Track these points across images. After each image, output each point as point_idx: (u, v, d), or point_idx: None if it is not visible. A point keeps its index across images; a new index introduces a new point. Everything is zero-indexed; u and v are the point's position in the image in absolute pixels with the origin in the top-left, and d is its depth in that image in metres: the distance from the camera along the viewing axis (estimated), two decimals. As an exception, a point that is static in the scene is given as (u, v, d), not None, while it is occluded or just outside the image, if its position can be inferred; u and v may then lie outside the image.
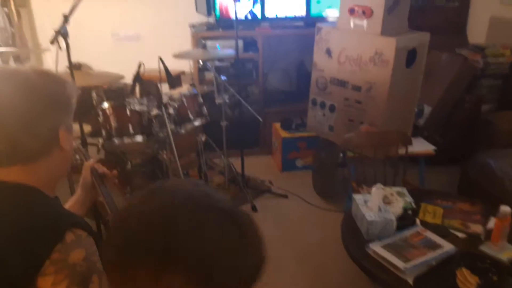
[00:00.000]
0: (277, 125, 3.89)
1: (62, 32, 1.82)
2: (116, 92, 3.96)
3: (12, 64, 3.37)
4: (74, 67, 3.94)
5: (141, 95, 3.90)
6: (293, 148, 3.74)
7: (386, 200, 2.03)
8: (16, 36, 3.26)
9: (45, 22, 3.97)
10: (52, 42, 1.81)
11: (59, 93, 0.96)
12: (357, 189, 2.56)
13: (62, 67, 3.94)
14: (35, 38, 3.99)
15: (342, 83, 2.91)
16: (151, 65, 2.63)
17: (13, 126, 0.89)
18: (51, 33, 4.05)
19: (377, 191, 1.92)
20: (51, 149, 0.95)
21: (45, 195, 0.95)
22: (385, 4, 2.57)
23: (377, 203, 1.88)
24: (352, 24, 2.76)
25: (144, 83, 3.57)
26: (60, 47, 1.86)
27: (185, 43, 3.94)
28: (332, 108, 3.04)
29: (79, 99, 2.51)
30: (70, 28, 4.00)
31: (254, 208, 3.18)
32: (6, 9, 3.06)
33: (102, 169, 1.29)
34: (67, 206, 1.24)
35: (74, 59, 4.00)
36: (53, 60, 4.25)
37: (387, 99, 2.68)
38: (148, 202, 0.64)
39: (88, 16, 3.99)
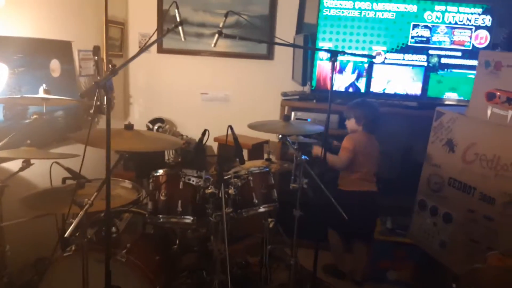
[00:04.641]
0: (369, 220, 3.14)
1: (102, 85, 1.41)
2: (193, 153, 3.67)
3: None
4: (154, 122, 3.78)
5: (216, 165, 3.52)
6: (386, 255, 2.93)
7: None
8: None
9: (138, 75, 3.93)
10: (83, 96, 1.43)
11: None
12: None
13: (144, 121, 3.81)
14: (127, 89, 3.94)
15: (466, 189, 2.13)
16: (236, 130, 2.19)
17: None
18: (141, 86, 4.02)
19: None
20: None
21: None
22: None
23: None
24: (489, 113, 2.04)
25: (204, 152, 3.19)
26: (99, 101, 1.47)
27: (275, 111, 3.53)
28: (447, 219, 2.25)
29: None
30: (160, 84, 3.95)
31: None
32: (96, 57, 2.97)
33: None
34: None
35: (160, 114, 3.88)
36: (139, 113, 4.19)
37: (535, 222, 1.84)
38: None
39: (179, 74, 3.86)
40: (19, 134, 1.93)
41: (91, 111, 3.27)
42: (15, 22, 2.41)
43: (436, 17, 3.11)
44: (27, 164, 1.96)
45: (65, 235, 1.46)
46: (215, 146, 3.76)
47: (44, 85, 1.89)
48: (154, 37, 3.74)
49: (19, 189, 2.04)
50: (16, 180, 2.05)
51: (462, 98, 3.16)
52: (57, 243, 1.69)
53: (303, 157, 2.29)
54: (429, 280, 2.69)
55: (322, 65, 3.19)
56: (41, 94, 1.86)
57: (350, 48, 3.15)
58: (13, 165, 2.10)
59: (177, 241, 2.42)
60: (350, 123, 2.90)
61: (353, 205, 2.51)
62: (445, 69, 3.16)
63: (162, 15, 3.70)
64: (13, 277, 2.17)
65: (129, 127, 1.89)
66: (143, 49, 1.75)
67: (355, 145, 2.78)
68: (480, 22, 3.10)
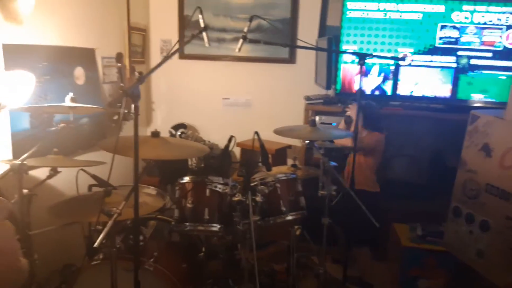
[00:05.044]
0: (399, 226, 3.05)
1: (130, 93, 1.39)
2: (217, 159, 3.63)
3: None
4: (176, 128, 3.76)
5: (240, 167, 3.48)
6: (416, 263, 2.82)
7: None
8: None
9: (160, 81, 3.94)
10: (111, 106, 1.41)
11: None
12: None
13: (167, 127, 3.80)
14: (149, 95, 3.94)
15: (504, 195, 2.03)
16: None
17: None
18: (163, 92, 4.01)
19: None
20: None
21: None
22: None
23: None
24: (529, 115, 1.94)
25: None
26: (127, 110, 1.44)
27: (298, 115, 3.47)
28: (484, 227, 2.15)
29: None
30: (182, 90, 3.93)
31: None
32: (119, 64, 2.97)
33: None
34: None
35: (182, 120, 3.87)
36: (162, 119, 4.19)
37: None
38: None
39: (201, 79, 3.84)
40: (46, 142, 1.93)
41: (115, 117, 3.28)
42: (40, 30, 2.42)
43: (465, 17, 3.02)
44: (54, 172, 1.96)
45: (95, 245, 1.44)
46: (237, 151, 3.73)
47: (71, 93, 1.88)
48: (177, 44, 3.75)
49: (47, 197, 2.04)
50: (43, 188, 2.05)
51: (493, 100, 3.05)
52: (86, 253, 1.68)
53: (331, 163, 2.23)
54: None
55: (347, 68, 3.12)
56: (68, 102, 1.85)
57: (375, 50, 3.08)
58: (41, 173, 2.10)
59: (203, 249, 2.38)
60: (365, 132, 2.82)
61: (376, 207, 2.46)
62: (475, 71, 3.06)
63: (184, 21, 3.70)
64: (41, 285, 2.17)
65: (156, 134, 1.86)
66: (170, 55, 1.73)
67: (378, 144, 2.77)
68: (511, 22, 2.99)
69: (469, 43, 3.04)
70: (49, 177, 1.95)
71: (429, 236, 2.84)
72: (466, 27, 3.02)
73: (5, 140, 2.16)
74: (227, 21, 3.66)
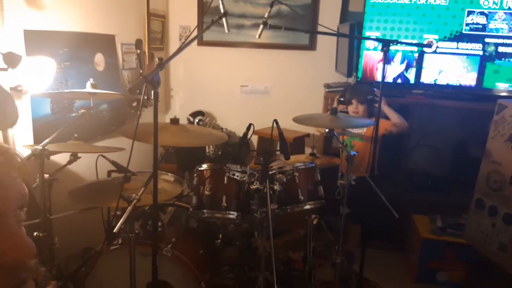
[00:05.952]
0: (418, 218, 3.00)
1: (150, 79, 1.38)
2: (234, 147, 3.63)
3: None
4: (194, 115, 3.76)
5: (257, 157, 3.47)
6: (436, 255, 2.78)
7: None
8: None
9: (179, 68, 3.93)
10: (131, 91, 1.40)
11: None
12: None
13: (185, 114, 3.80)
14: (167, 82, 3.94)
15: (531, 188, 1.96)
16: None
17: None
18: (182, 79, 4.01)
19: None
20: None
21: None
22: None
23: None
24: (561, 105, 1.86)
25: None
26: (147, 97, 1.43)
27: (317, 103, 3.42)
28: (508, 220, 2.08)
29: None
30: (200, 77, 3.92)
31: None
32: (138, 51, 2.96)
33: None
34: None
35: (200, 107, 3.87)
36: (180, 106, 4.19)
37: None
38: None
39: (219, 66, 3.82)
40: (67, 128, 1.95)
41: (134, 104, 3.30)
42: (61, 16, 2.43)
43: (494, 2, 2.89)
44: (74, 157, 1.98)
45: (114, 231, 1.45)
46: (254, 139, 3.71)
47: (91, 80, 1.89)
48: (196, 30, 3.73)
49: (67, 181, 2.07)
50: (64, 173, 2.08)
51: (519, 89, 2.93)
52: (106, 238, 1.70)
53: (351, 152, 2.19)
54: (483, 283, 2.53)
55: (369, 55, 3.05)
56: (88, 88, 1.86)
57: (399, 37, 2.99)
58: (61, 158, 2.13)
59: (220, 235, 2.39)
60: (362, 108, 2.77)
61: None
62: (503, 59, 2.94)
63: (203, 7, 3.67)
64: (61, 268, 2.22)
65: (175, 121, 1.86)
66: (189, 42, 1.71)
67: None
68: (544, 6, 2.85)
69: (497, 29, 2.91)
70: (70, 162, 1.98)
71: (449, 228, 2.78)
72: (495, 13, 2.89)
73: (26, 125, 2.19)
74: (246, 6, 3.61)
